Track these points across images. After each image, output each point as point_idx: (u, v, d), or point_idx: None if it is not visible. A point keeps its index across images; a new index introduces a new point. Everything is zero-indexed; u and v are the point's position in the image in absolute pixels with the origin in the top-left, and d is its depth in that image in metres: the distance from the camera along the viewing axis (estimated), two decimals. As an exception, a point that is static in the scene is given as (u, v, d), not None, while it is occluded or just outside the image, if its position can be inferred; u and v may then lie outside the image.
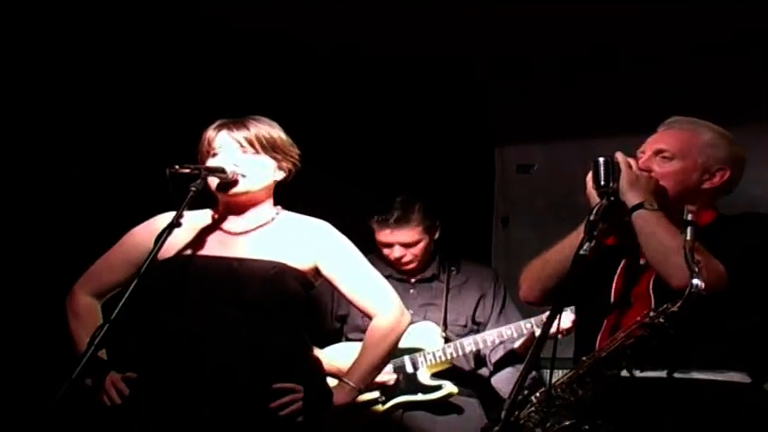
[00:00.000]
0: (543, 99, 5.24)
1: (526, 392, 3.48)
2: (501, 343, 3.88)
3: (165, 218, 2.94)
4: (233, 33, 4.53)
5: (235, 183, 2.86)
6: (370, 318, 2.97)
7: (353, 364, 2.98)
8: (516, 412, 2.49)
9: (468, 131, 5.26)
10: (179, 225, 2.73)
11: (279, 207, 3.00)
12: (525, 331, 3.79)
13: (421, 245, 3.98)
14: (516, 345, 3.90)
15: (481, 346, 3.85)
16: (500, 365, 3.96)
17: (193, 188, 2.78)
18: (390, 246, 3.96)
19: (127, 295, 2.60)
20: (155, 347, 2.86)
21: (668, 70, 4.92)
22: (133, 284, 2.63)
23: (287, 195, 3.02)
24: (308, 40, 4.73)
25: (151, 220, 2.99)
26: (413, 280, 4.05)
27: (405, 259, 3.97)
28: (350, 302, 3.01)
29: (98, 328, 2.52)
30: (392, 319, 2.97)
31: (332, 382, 3.56)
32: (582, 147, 4.85)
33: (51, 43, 4.04)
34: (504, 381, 3.92)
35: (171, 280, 2.85)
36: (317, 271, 2.93)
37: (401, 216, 3.93)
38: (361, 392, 2.97)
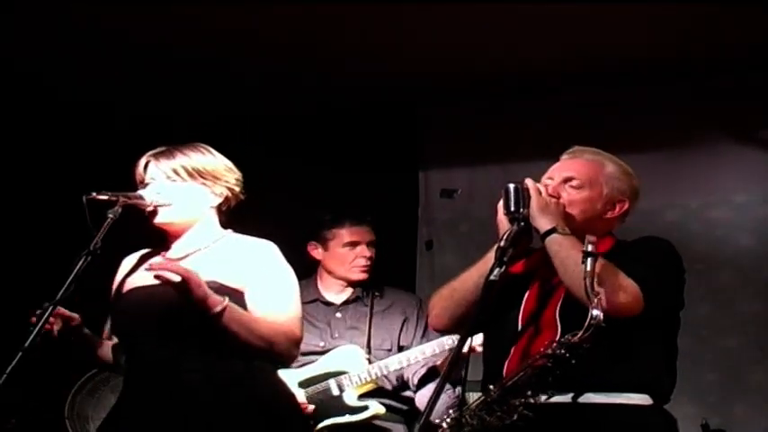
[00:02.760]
0: (466, 126, 5.26)
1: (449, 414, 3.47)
2: (424, 361, 3.88)
3: (131, 258, 2.99)
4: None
5: (155, 211, 2.84)
6: None
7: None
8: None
9: (393, 157, 5.26)
10: (95, 253, 2.66)
11: (228, 231, 2.96)
12: (447, 347, 3.78)
13: (374, 251, 4.08)
14: (438, 362, 3.90)
15: (405, 364, 3.85)
16: (422, 383, 3.95)
17: (111, 215, 2.72)
18: (358, 244, 4.02)
19: (44, 320, 2.59)
20: (126, 377, 2.88)
21: (587, 100, 4.98)
22: (48, 312, 2.61)
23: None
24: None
25: (123, 262, 3.00)
26: (338, 303, 4.05)
27: (372, 260, 4.04)
28: None
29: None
30: (283, 343, 2.80)
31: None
32: (503, 172, 4.87)
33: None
34: (425, 397, 3.84)
35: (117, 312, 2.89)
36: None
37: (367, 219, 4.12)
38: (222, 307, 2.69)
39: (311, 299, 3.96)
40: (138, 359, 2.80)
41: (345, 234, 4.03)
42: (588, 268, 2.32)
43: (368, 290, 4.06)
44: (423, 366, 3.89)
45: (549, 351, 2.39)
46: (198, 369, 2.72)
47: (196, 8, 4.12)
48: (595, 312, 2.28)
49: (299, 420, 3.00)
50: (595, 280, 2.32)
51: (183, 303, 2.67)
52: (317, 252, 4.07)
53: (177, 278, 2.57)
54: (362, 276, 4.02)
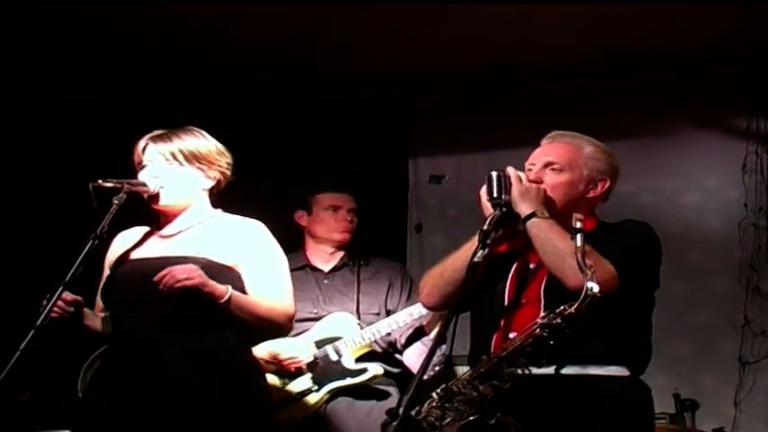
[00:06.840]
0: (454, 115, 5.24)
1: (435, 370, 3.46)
2: (411, 323, 3.88)
3: (127, 233, 2.98)
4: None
5: (157, 196, 2.85)
6: None
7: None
8: (417, 408, 2.42)
9: (384, 145, 5.25)
10: (102, 237, 2.69)
11: (218, 210, 2.98)
12: None
13: (356, 217, 4.08)
14: (424, 322, 3.90)
15: (395, 327, 3.85)
16: (408, 342, 3.93)
17: (116, 201, 2.74)
18: (339, 208, 4.04)
19: (54, 299, 2.59)
20: (109, 345, 2.90)
21: (568, 88, 4.96)
22: (59, 291, 2.61)
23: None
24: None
25: (115, 238, 2.98)
26: (326, 271, 4.05)
27: (353, 222, 4.05)
28: None
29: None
30: (281, 320, 2.90)
31: (271, 378, 3.55)
32: (489, 159, 4.86)
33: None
34: (412, 356, 3.89)
35: (113, 282, 2.88)
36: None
37: (349, 188, 4.15)
38: (227, 297, 2.76)
39: (300, 265, 3.94)
40: (122, 328, 2.82)
41: (327, 198, 4.06)
42: (579, 243, 2.32)
43: (354, 258, 4.07)
44: (409, 328, 3.90)
45: (546, 321, 2.37)
46: (171, 341, 2.73)
47: (192, 7, 4.10)
48: (590, 284, 2.27)
49: (267, 393, 3.00)
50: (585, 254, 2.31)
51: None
52: (302, 218, 4.08)
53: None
54: (344, 237, 4.03)
